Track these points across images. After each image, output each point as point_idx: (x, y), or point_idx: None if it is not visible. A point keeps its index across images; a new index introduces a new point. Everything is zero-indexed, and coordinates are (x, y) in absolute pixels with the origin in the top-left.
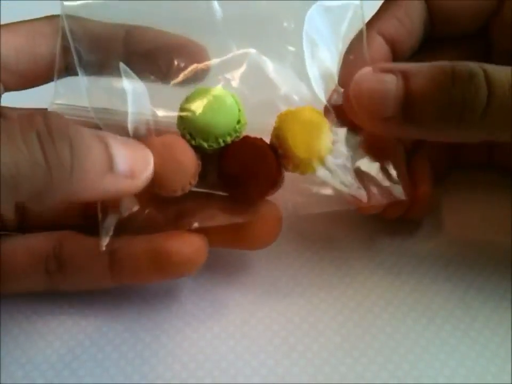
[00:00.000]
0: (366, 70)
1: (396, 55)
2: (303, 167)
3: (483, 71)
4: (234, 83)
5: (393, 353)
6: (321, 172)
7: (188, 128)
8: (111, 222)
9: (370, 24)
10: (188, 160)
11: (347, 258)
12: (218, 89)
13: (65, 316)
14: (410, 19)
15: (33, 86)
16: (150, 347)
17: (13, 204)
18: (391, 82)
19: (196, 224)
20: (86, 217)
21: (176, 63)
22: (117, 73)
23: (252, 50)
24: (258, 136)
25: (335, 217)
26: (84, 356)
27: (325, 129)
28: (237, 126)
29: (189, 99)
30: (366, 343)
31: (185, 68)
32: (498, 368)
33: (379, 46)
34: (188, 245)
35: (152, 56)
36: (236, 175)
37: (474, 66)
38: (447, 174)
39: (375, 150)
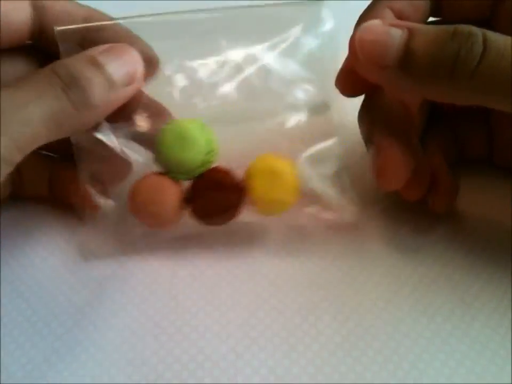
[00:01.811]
0: (375, 22)
1: None
2: (260, 207)
3: (482, 33)
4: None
5: (393, 353)
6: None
7: (163, 165)
8: None
9: None
10: (170, 198)
11: (347, 258)
12: (186, 123)
13: (65, 316)
14: None
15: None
16: (150, 347)
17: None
18: (395, 34)
19: None
20: None
21: None
22: None
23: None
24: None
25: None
26: (84, 355)
27: (287, 180)
28: (206, 158)
29: (160, 136)
30: (366, 343)
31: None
32: (498, 368)
33: (389, 19)
34: None
35: None
36: (204, 204)
37: (475, 28)
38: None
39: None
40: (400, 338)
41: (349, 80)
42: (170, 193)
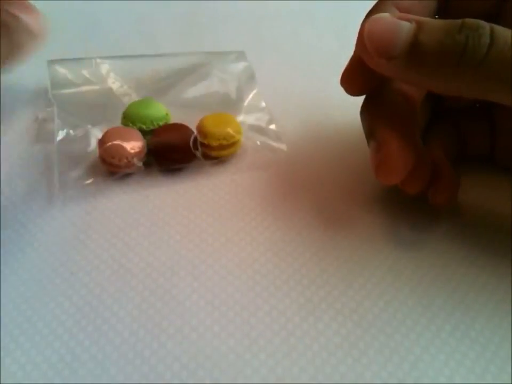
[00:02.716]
0: (384, 14)
1: None
2: (210, 138)
3: (490, 26)
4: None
5: (393, 353)
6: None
7: (130, 119)
8: None
9: None
10: (134, 138)
11: (347, 259)
12: (150, 98)
13: (65, 316)
14: None
15: None
16: (150, 347)
17: None
18: (404, 26)
19: None
20: None
21: None
22: None
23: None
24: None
25: (334, 217)
26: (84, 355)
27: (233, 120)
28: (164, 115)
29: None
30: (366, 343)
31: None
32: (498, 368)
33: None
34: None
35: None
36: (161, 148)
37: (483, 21)
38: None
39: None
40: (400, 338)
41: (352, 80)
42: (135, 134)
